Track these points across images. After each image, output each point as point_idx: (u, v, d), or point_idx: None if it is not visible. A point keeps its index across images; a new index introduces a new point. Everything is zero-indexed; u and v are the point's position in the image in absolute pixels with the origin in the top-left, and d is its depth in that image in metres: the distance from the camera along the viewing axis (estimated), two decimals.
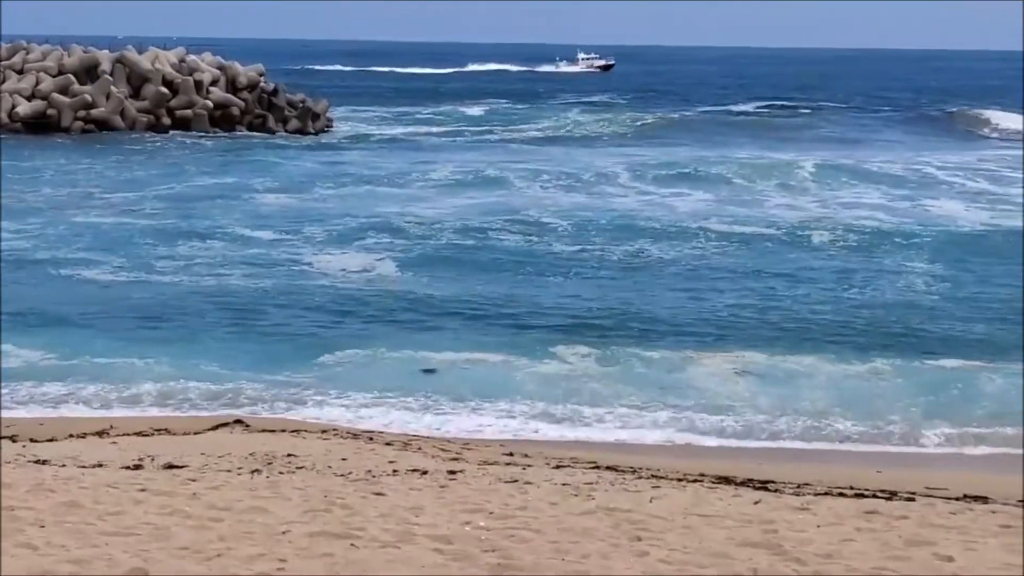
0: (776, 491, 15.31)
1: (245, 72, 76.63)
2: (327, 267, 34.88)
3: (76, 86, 71.53)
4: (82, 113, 70.74)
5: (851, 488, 15.77)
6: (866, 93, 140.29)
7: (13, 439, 18.77)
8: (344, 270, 34.48)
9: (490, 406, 22.45)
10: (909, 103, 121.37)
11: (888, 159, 64.23)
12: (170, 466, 15.73)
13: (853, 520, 12.97)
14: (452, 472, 15.88)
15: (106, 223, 41.85)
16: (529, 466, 17.18)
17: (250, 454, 17.20)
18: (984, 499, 15.52)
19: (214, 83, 75.21)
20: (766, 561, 11.05)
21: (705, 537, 11.92)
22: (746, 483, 16.05)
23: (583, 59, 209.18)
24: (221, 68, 76.06)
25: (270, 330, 27.61)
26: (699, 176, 56.11)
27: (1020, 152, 71.10)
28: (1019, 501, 15.40)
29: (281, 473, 15.45)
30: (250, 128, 75.10)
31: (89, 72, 72.44)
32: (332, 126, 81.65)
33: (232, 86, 76.10)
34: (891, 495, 15.31)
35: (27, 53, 73.53)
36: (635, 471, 16.90)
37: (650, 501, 13.81)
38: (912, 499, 15.05)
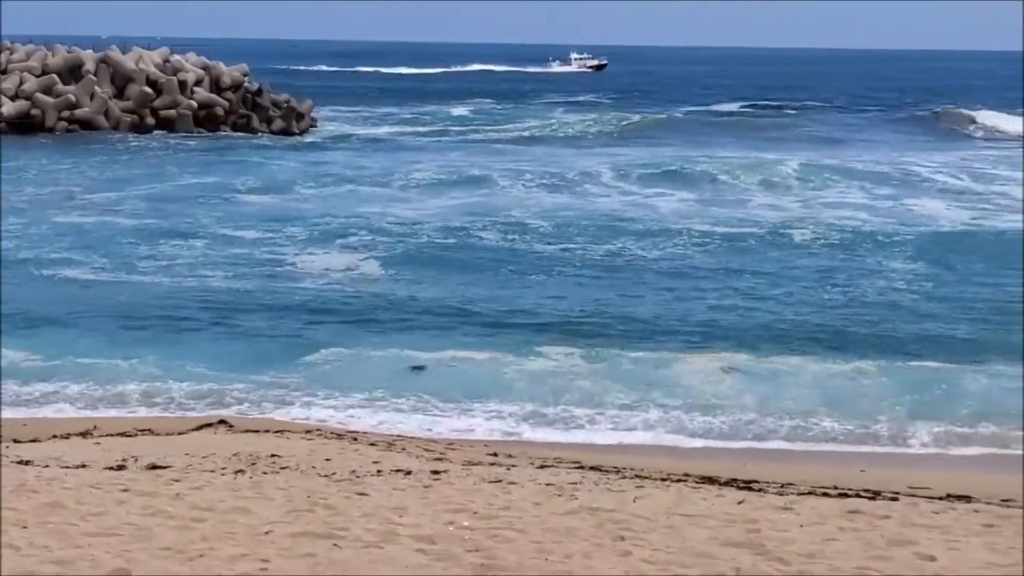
0: (760, 491, 15.34)
1: (229, 72, 76.55)
2: (310, 267, 34.83)
3: (60, 86, 71.35)
4: (66, 113, 70.56)
5: (835, 488, 15.81)
6: (852, 93, 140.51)
7: None
8: (327, 270, 34.44)
9: (480, 406, 22.42)
10: (895, 103, 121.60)
11: (873, 158, 64.30)
12: (153, 467, 15.71)
13: (836, 520, 12.99)
14: (436, 472, 15.88)
15: (88, 223, 41.76)
16: (513, 466, 17.18)
17: (234, 454, 17.18)
18: (967, 498, 15.58)
19: (198, 83, 75.11)
20: (749, 561, 11.06)
21: (688, 537, 11.92)
22: (730, 483, 16.08)
23: (576, 59, 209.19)
24: (205, 68, 75.96)
25: (254, 330, 27.55)
26: (683, 175, 56.10)
27: (1004, 151, 71.35)
28: (1002, 500, 15.45)
29: (265, 473, 15.43)
30: (234, 128, 74.97)
31: (73, 72, 72.26)
32: (316, 126, 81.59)
33: (216, 86, 75.98)
34: (875, 495, 15.35)
35: (11, 53, 73.33)
36: (619, 471, 16.91)
37: (633, 501, 13.82)
38: (895, 499, 15.08)
